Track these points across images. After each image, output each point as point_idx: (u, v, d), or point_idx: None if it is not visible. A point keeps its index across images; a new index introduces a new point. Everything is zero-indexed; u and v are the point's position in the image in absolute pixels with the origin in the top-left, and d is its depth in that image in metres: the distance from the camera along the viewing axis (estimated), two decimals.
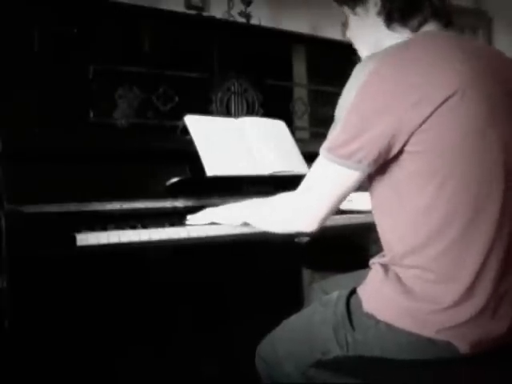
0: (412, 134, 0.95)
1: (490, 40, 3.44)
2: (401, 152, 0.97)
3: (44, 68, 1.54)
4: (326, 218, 1.07)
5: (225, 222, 1.40)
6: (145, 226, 1.43)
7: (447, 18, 1.10)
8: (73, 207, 1.37)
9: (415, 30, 1.09)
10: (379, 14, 1.11)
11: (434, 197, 0.96)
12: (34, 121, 1.50)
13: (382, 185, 1.04)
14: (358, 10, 1.15)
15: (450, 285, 0.97)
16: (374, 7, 1.11)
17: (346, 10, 1.18)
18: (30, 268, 1.26)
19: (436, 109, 0.93)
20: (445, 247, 0.97)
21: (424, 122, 0.93)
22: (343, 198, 1.05)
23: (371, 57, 1.04)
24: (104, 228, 1.37)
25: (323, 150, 1.04)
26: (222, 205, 1.45)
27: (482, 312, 0.97)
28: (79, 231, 1.32)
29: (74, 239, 1.29)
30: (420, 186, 0.97)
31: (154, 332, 1.71)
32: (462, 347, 0.98)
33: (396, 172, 1.00)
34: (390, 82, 0.95)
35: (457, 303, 0.97)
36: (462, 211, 0.96)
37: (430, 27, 1.09)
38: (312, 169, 1.08)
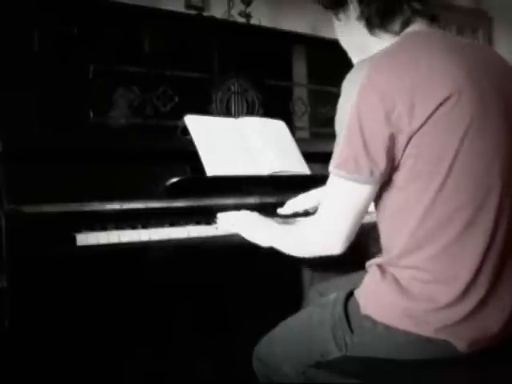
0: (411, 137, 0.95)
1: (490, 40, 3.44)
2: (402, 156, 0.97)
3: (44, 68, 1.54)
4: (350, 237, 1.05)
5: (250, 239, 1.31)
6: (145, 226, 1.43)
7: (432, 16, 1.09)
8: (73, 207, 1.37)
9: (398, 33, 1.08)
10: (359, 19, 1.10)
11: (434, 198, 0.96)
12: (34, 121, 1.50)
13: (385, 189, 1.04)
14: (341, 15, 1.15)
15: (448, 285, 0.98)
16: (354, 12, 1.11)
17: (331, 14, 1.18)
18: (30, 268, 1.26)
19: (432, 113, 0.93)
20: (442, 248, 0.97)
21: (422, 125, 0.94)
22: (363, 213, 1.03)
23: (360, 66, 1.04)
24: (104, 228, 1.37)
25: (332, 167, 1.03)
26: (222, 204, 1.45)
27: (478, 310, 0.98)
28: (79, 231, 1.32)
29: (74, 239, 1.29)
30: (421, 189, 0.97)
31: (153, 333, 1.71)
32: (460, 345, 0.98)
33: (398, 176, 1.00)
34: (384, 88, 0.95)
35: (454, 302, 0.97)
36: (460, 212, 0.96)
37: (415, 27, 1.08)
38: (327, 190, 1.06)
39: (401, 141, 0.96)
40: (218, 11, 2.31)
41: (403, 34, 1.08)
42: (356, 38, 1.15)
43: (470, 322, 0.98)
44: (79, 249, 1.29)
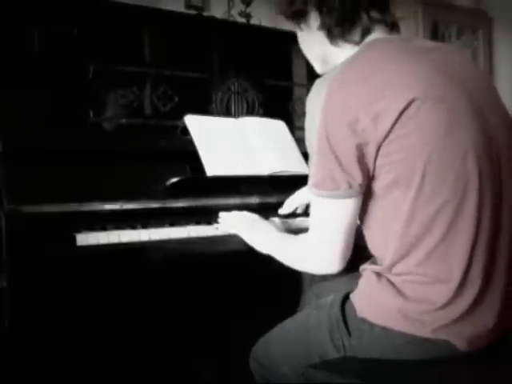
0: (379, 146, 0.95)
1: (490, 40, 3.44)
2: (375, 166, 0.98)
3: (44, 68, 1.54)
4: (346, 253, 1.05)
5: (248, 242, 1.35)
6: (145, 226, 1.43)
7: (391, 24, 1.10)
8: (73, 207, 1.37)
9: (358, 43, 1.09)
10: (320, 29, 1.11)
11: (414, 204, 0.96)
12: (34, 121, 1.50)
13: (367, 200, 1.04)
14: (302, 25, 1.15)
15: (440, 285, 0.98)
16: (315, 22, 1.11)
17: (294, 25, 1.18)
18: (30, 268, 1.26)
19: (397, 119, 0.93)
20: (429, 250, 0.97)
21: (388, 133, 0.94)
22: (352, 227, 1.04)
23: (320, 83, 1.05)
24: (104, 228, 1.38)
25: (311, 188, 1.04)
26: (222, 204, 1.45)
27: (474, 307, 0.98)
28: (79, 231, 1.32)
29: (74, 239, 1.29)
30: (401, 195, 0.97)
31: (152, 333, 1.71)
32: (460, 344, 0.98)
33: (376, 185, 1.00)
34: (345, 102, 0.96)
35: (449, 302, 0.97)
36: (441, 213, 0.96)
37: (375, 35, 1.08)
38: (311, 210, 1.07)
39: (370, 151, 0.96)
40: (218, 11, 2.31)
41: (363, 43, 1.08)
42: (318, 48, 1.15)
43: (468, 319, 0.98)
44: (79, 249, 1.29)
